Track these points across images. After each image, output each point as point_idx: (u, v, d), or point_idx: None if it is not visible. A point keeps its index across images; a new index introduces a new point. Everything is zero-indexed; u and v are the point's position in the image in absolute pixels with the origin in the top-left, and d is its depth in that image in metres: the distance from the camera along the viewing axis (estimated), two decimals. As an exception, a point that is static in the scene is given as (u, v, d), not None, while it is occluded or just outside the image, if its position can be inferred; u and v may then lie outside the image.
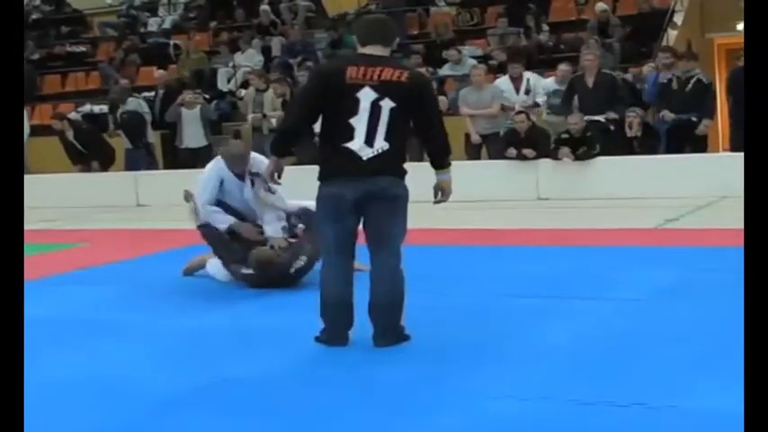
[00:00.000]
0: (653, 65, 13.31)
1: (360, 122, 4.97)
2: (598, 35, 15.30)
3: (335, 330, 5.23)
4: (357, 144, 4.98)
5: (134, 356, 5.35)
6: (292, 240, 7.17)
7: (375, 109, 4.96)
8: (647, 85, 12.92)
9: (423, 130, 5.28)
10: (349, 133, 4.99)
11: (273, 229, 7.12)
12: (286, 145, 5.38)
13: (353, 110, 4.97)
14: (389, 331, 5.19)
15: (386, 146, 5.01)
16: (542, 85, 13.50)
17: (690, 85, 11.99)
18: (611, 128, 12.29)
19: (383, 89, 4.97)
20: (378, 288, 5.13)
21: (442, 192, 5.34)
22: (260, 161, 7.15)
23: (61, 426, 4.26)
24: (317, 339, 5.28)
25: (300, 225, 7.27)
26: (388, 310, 5.16)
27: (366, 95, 4.96)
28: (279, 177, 5.38)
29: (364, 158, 4.98)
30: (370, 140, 4.98)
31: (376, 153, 4.99)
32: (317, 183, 5.20)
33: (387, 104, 4.97)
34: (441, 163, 5.30)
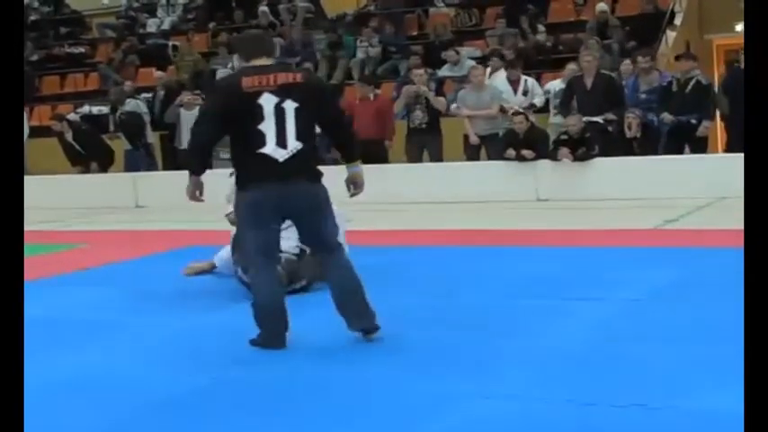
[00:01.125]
0: (631, 67, 13.30)
1: (268, 127, 5.09)
2: (597, 36, 15.29)
3: (275, 334, 5.27)
4: (270, 148, 5.09)
5: (133, 357, 5.35)
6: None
7: (279, 111, 5.10)
8: (627, 89, 12.90)
9: (328, 125, 5.44)
10: (261, 139, 5.09)
11: (288, 244, 6.92)
12: (200, 161, 5.42)
13: (259, 116, 5.09)
14: (363, 314, 5.27)
15: (299, 145, 5.13)
16: (550, 85, 13.49)
17: (689, 87, 11.99)
18: (610, 129, 12.29)
19: (283, 92, 5.12)
20: (333, 282, 5.31)
21: (354, 185, 5.48)
22: None
23: (61, 426, 4.26)
24: (253, 343, 5.30)
25: None
26: (352, 296, 5.26)
27: (267, 100, 5.09)
28: (201, 195, 5.42)
29: (280, 161, 5.09)
30: (282, 142, 5.10)
31: (291, 154, 5.11)
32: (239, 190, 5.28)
33: (290, 105, 5.11)
34: (350, 156, 5.49)
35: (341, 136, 5.51)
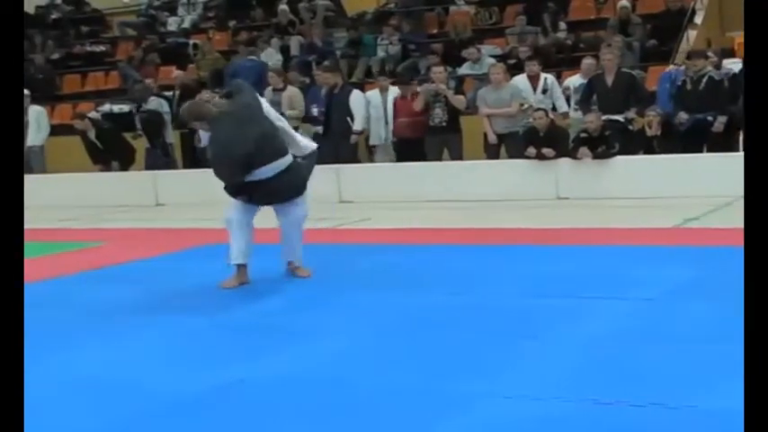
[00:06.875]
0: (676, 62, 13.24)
1: None
2: (618, 33, 15.22)
3: None
4: None
5: (148, 356, 5.36)
6: None
7: None
8: (661, 83, 12.81)
9: None
10: None
11: None
12: None
13: None
14: None
15: None
16: (570, 81, 13.42)
17: (702, 84, 11.91)
18: (630, 127, 12.23)
19: None
20: None
21: None
22: None
23: (63, 426, 4.27)
24: None
25: None
26: None
27: None
28: None
29: None
30: None
31: None
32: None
33: None
34: None
35: None
